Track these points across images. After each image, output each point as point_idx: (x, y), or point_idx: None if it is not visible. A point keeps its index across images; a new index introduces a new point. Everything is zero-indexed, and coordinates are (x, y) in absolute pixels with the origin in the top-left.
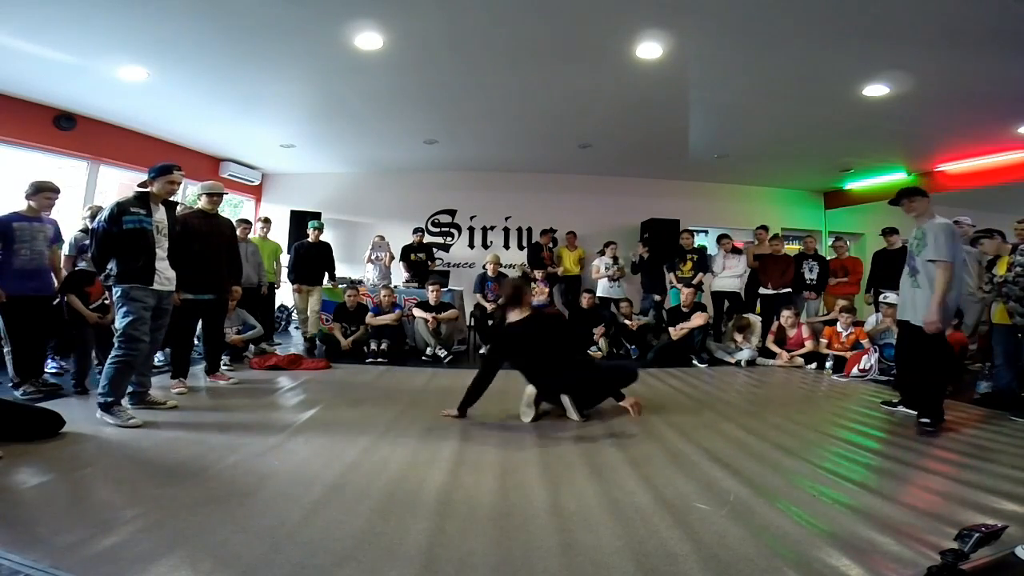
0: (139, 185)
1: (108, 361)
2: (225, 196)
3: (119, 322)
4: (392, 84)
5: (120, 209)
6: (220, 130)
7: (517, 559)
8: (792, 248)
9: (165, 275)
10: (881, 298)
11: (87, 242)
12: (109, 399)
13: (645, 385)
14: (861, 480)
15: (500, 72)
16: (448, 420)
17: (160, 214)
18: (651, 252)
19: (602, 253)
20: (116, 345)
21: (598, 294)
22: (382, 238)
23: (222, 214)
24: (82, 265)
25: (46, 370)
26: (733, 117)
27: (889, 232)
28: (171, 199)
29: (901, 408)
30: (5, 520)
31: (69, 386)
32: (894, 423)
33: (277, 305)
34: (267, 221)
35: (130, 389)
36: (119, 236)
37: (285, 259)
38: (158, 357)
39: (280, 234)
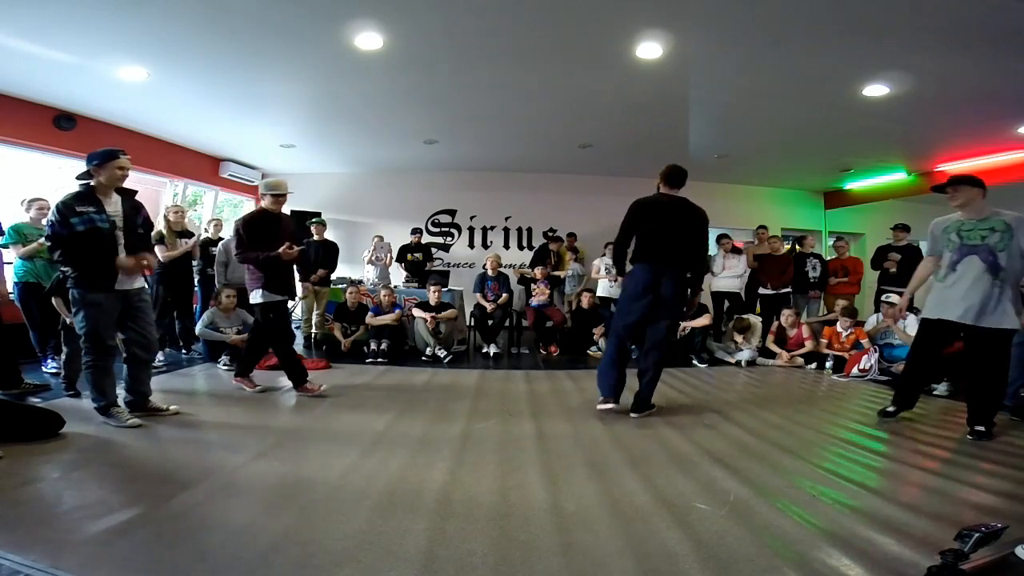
0: (80, 176)
1: (83, 366)
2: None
3: (79, 327)
4: (392, 84)
5: (66, 210)
6: (220, 130)
7: (517, 559)
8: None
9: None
10: (884, 298)
11: None
12: (101, 403)
13: None
14: (861, 480)
15: (500, 72)
16: (447, 420)
17: (114, 206)
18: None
19: (603, 254)
20: (84, 351)
21: (598, 294)
22: (381, 238)
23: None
24: None
25: (44, 369)
26: (733, 117)
27: (900, 228)
28: (127, 187)
29: (903, 413)
30: (5, 520)
31: (62, 389)
32: (893, 423)
33: None
34: None
35: (128, 398)
36: (71, 239)
37: None
38: (158, 357)
39: None
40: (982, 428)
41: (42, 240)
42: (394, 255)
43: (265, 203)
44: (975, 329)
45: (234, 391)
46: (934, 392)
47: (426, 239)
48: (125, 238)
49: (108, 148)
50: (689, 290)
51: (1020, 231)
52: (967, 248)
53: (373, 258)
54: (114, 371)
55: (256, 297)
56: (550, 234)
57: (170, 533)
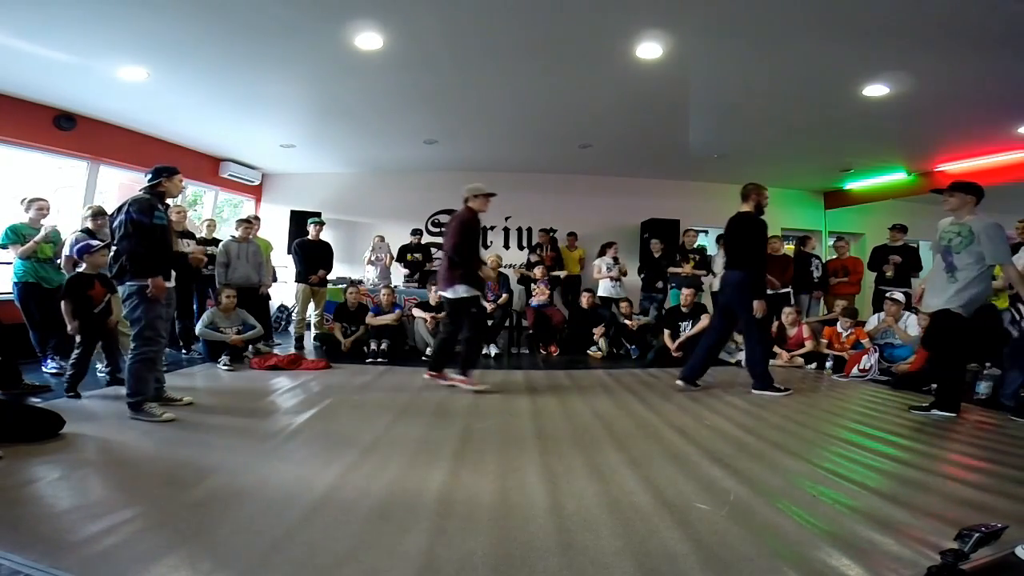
0: (149, 188)
1: (129, 360)
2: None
3: (134, 321)
4: (392, 84)
5: (149, 205)
6: (220, 130)
7: (517, 559)
8: (788, 248)
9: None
10: (888, 294)
11: (93, 242)
12: (139, 398)
13: (645, 385)
14: (861, 480)
15: (500, 72)
16: (447, 420)
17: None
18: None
19: (602, 254)
20: (135, 344)
21: (599, 294)
22: (382, 239)
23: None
24: (83, 267)
25: (44, 370)
26: (733, 117)
27: (897, 229)
28: (168, 200)
29: (935, 412)
30: (5, 520)
31: (62, 389)
32: (893, 423)
33: (278, 305)
34: (256, 219)
35: None
36: (151, 230)
37: (275, 257)
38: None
39: (280, 234)
40: (941, 414)
41: (38, 239)
42: (394, 255)
43: (477, 204)
44: (931, 316)
45: (233, 391)
46: (934, 392)
47: (426, 239)
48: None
49: (167, 165)
50: (753, 288)
51: (983, 237)
52: (940, 247)
53: (373, 258)
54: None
55: (460, 291)
56: (541, 231)
57: (171, 533)
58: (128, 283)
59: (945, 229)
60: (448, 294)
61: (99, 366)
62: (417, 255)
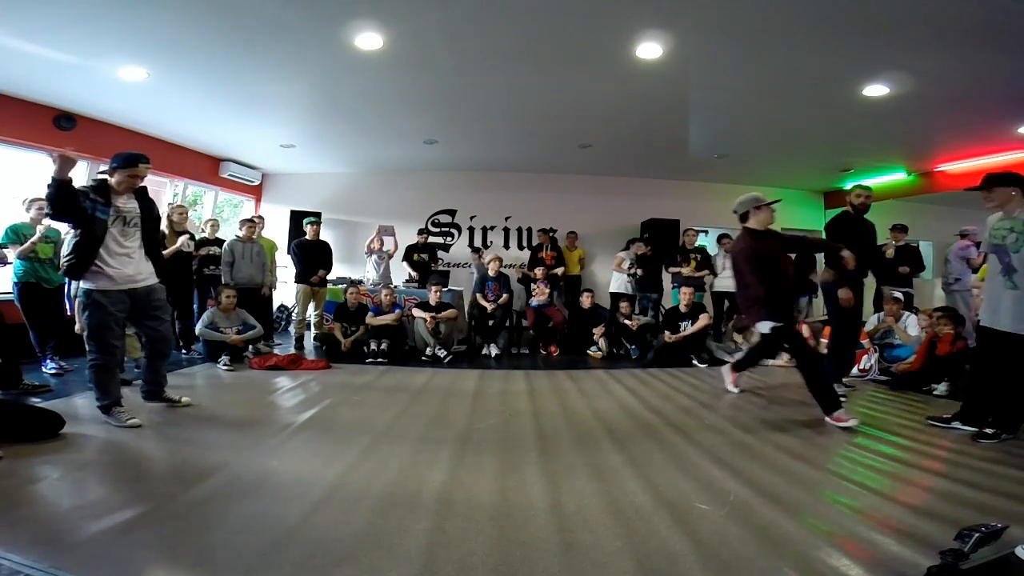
0: (100, 172)
1: (87, 365)
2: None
3: (85, 325)
4: (392, 84)
5: (80, 191)
6: (220, 130)
7: (517, 559)
8: None
9: (125, 271)
10: (889, 291)
11: None
12: (105, 402)
13: (645, 385)
14: (861, 480)
15: (500, 72)
16: (447, 420)
17: (130, 204)
18: (652, 250)
19: (626, 248)
20: (87, 349)
21: (612, 289)
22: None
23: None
24: None
25: (44, 370)
26: (733, 117)
27: (899, 229)
28: (143, 186)
29: (956, 424)
30: (5, 520)
31: (62, 389)
32: (893, 423)
33: (277, 305)
34: (260, 219)
35: (145, 387)
36: (77, 211)
37: (281, 257)
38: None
39: (280, 234)
40: (989, 431)
41: (36, 238)
42: (400, 250)
43: (759, 220)
44: (990, 331)
45: (234, 391)
46: (934, 392)
47: (429, 240)
48: (144, 229)
49: (132, 154)
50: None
51: None
52: (992, 247)
53: (378, 243)
54: (117, 370)
55: (765, 328)
56: (541, 231)
57: (171, 533)
58: (72, 280)
59: (995, 225)
60: (762, 328)
61: (52, 364)
62: (424, 255)
